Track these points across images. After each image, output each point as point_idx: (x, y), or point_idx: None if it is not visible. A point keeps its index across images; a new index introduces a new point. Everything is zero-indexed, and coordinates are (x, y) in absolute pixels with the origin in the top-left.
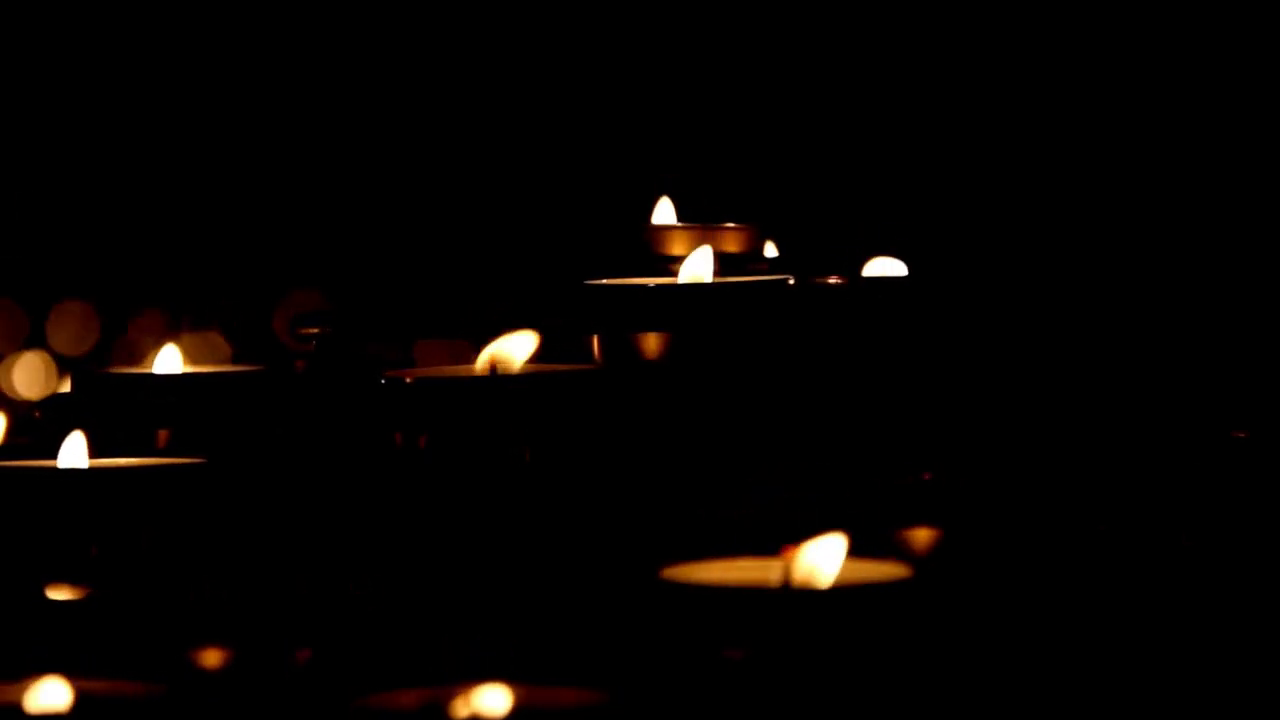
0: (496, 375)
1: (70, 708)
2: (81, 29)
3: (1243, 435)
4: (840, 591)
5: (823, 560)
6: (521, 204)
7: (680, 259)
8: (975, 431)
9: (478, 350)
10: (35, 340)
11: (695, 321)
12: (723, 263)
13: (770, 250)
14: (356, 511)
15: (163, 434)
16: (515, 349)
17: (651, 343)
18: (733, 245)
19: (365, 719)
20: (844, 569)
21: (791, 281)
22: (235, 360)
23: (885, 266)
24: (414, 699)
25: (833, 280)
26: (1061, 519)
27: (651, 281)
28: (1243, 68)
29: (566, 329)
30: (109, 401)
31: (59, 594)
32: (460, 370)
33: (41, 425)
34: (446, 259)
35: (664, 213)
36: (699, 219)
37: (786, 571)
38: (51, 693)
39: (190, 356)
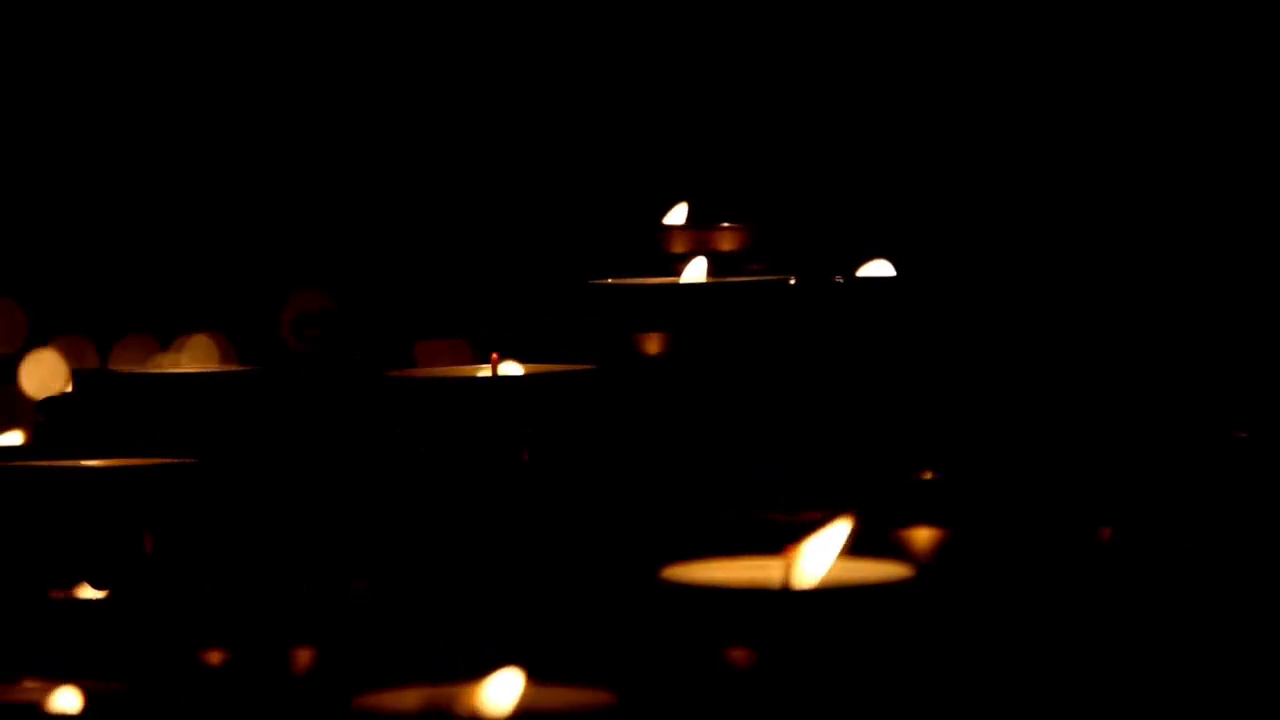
0: (498, 376)
1: (71, 707)
2: (89, 31)
3: (1243, 435)
4: (840, 591)
5: (821, 553)
6: (522, 204)
7: (682, 258)
8: (977, 431)
9: (476, 349)
10: (40, 340)
11: (695, 321)
12: (720, 262)
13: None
14: (356, 511)
15: (163, 434)
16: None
17: (652, 342)
18: (730, 245)
19: (365, 719)
20: (845, 569)
21: (792, 281)
22: (236, 361)
23: (879, 269)
24: (414, 699)
25: (834, 280)
26: (1062, 519)
27: (652, 281)
28: (1242, 65)
29: (567, 329)
30: (111, 401)
31: (60, 594)
32: (460, 370)
33: (44, 425)
34: (447, 259)
35: (677, 215)
36: (699, 219)
37: (787, 571)
38: (54, 692)
39: (193, 357)
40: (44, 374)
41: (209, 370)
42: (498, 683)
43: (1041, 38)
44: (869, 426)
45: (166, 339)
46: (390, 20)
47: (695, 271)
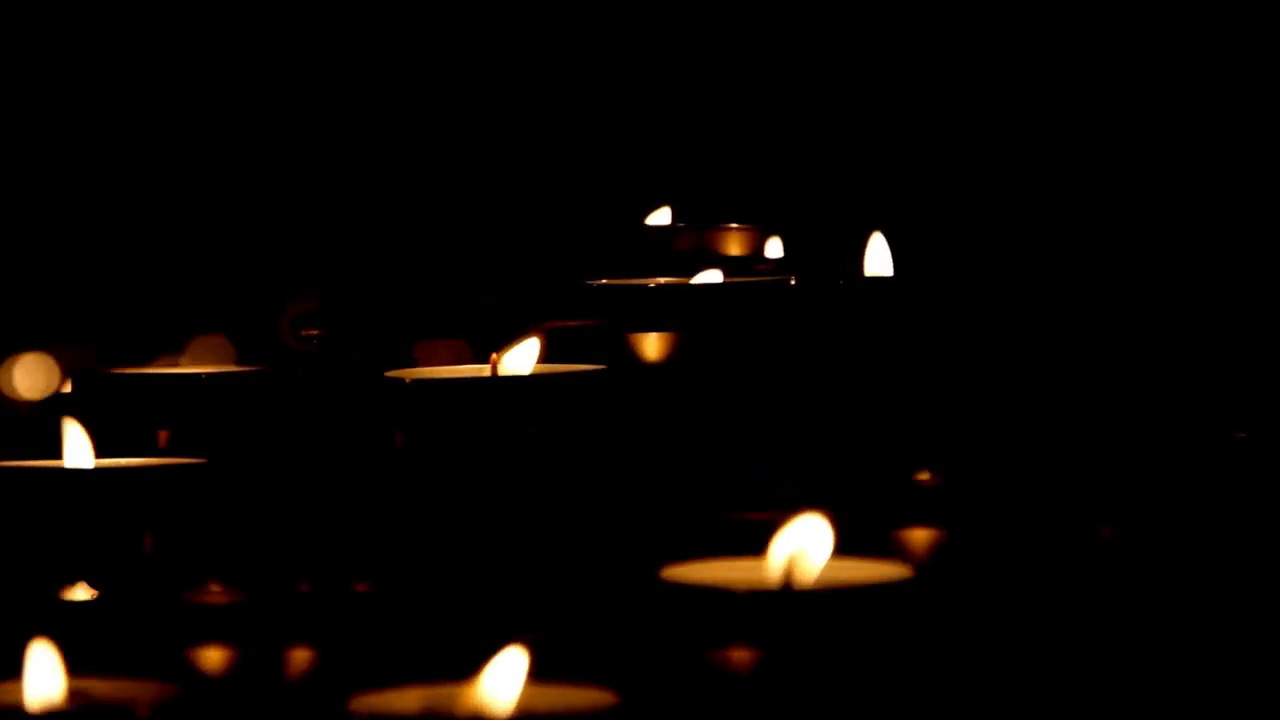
0: (498, 376)
1: (72, 707)
2: (89, 31)
3: (1243, 435)
4: (840, 591)
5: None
6: (522, 204)
7: (684, 256)
8: (977, 431)
9: (477, 350)
10: (38, 341)
11: (697, 321)
12: (725, 264)
13: (776, 249)
14: (356, 511)
15: (163, 434)
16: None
17: (650, 343)
18: (734, 246)
19: (365, 719)
20: (845, 569)
21: (793, 281)
22: (237, 361)
23: (879, 247)
24: (414, 699)
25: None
26: (1062, 519)
27: (652, 282)
28: (1242, 64)
29: (567, 329)
30: (110, 402)
31: (60, 594)
32: (460, 370)
33: (43, 425)
34: (446, 259)
35: (662, 216)
36: (701, 219)
37: (786, 570)
38: (55, 692)
39: (194, 357)
40: (35, 376)
41: (209, 370)
42: (497, 681)
43: (1042, 38)
44: (869, 426)
45: (165, 339)
46: (390, 21)
47: (709, 278)
